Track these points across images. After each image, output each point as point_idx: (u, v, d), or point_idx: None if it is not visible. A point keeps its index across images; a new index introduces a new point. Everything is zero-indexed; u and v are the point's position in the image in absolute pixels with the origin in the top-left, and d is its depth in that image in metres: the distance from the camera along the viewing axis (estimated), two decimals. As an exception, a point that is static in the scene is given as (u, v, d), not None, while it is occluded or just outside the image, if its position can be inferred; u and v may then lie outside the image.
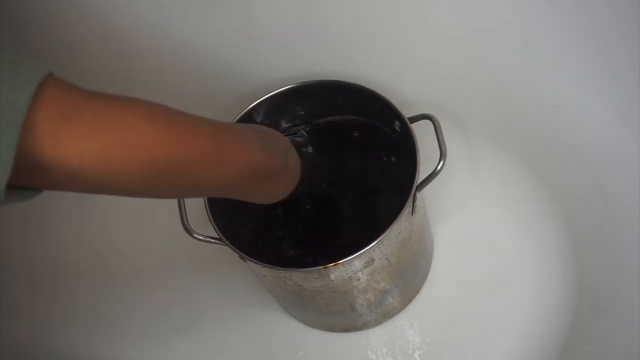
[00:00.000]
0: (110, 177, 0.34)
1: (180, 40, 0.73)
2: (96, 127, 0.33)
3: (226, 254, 0.62)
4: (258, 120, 0.71)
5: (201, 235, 0.61)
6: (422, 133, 0.62)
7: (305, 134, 0.72)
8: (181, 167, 0.38)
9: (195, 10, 0.70)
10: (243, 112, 0.68)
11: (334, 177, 0.68)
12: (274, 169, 0.46)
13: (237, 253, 0.59)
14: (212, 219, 0.60)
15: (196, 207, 0.62)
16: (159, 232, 0.84)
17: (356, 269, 0.59)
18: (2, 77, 0.30)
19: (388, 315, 0.75)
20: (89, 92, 0.34)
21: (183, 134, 0.38)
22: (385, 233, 0.56)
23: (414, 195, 0.59)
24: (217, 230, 0.60)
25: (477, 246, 0.78)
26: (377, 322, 0.75)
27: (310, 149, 0.68)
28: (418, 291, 0.76)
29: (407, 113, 0.63)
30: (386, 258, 0.61)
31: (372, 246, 0.56)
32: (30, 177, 0.32)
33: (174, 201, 0.62)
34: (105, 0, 0.68)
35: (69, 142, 0.32)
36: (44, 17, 0.68)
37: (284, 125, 0.75)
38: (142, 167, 0.35)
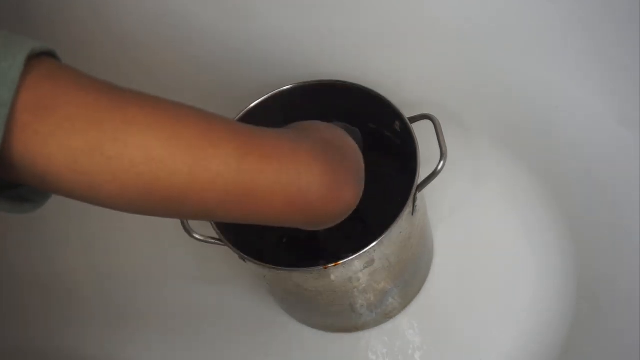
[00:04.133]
0: (84, 191, 0.28)
1: (180, 40, 0.73)
2: (70, 125, 0.26)
3: (226, 254, 0.62)
4: (258, 120, 0.71)
5: (201, 235, 0.61)
6: (422, 133, 0.62)
7: None
8: (185, 194, 0.29)
9: (195, 9, 0.70)
10: (243, 113, 0.68)
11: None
12: (333, 190, 0.34)
13: (237, 253, 0.59)
14: (212, 219, 0.60)
15: (196, 207, 0.62)
16: (158, 233, 0.84)
17: (356, 269, 0.59)
18: None
19: (388, 315, 0.75)
20: (81, 80, 0.28)
21: (189, 148, 0.28)
22: (386, 233, 0.56)
23: (415, 195, 0.59)
24: (217, 230, 0.60)
25: (477, 246, 0.78)
26: (377, 323, 0.75)
27: None
28: (418, 291, 0.76)
29: (407, 113, 0.63)
30: (386, 258, 0.61)
31: (373, 246, 0.56)
32: (5, 172, 0.27)
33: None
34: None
35: (35, 140, 0.26)
36: (53, 14, 0.68)
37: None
38: (124, 188, 0.28)
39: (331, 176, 0.34)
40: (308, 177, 0.32)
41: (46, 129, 0.26)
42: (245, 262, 0.60)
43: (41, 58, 0.27)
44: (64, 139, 0.26)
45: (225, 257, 0.68)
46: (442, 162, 0.59)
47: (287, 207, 0.32)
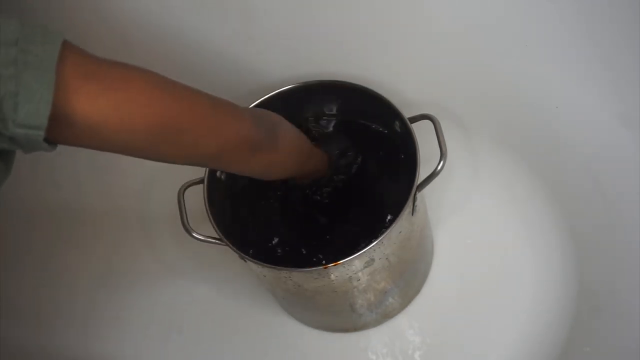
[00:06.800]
0: (122, 132, 0.38)
1: (180, 40, 0.73)
2: (113, 86, 0.37)
3: (226, 254, 0.62)
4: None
5: (201, 235, 0.61)
6: (422, 133, 0.62)
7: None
8: (183, 128, 0.42)
9: (195, 10, 0.70)
10: (243, 112, 0.68)
11: (334, 177, 0.68)
12: (261, 140, 0.51)
13: (237, 253, 0.59)
14: (212, 219, 0.60)
15: (196, 207, 0.62)
16: (159, 232, 0.84)
17: (356, 269, 0.59)
18: (34, 31, 0.34)
19: (388, 315, 0.75)
20: (103, 58, 0.38)
21: (186, 100, 0.43)
22: (386, 233, 0.56)
23: (415, 195, 0.59)
24: (217, 230, 0.60)
25: (477, 246, 0.78)
26: (377, 323, 0.75)
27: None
28: (418, 291, 0.76)
29: (407, 113, 0.63)
30: (386, 258, 0.61)
31: (373, 246, 0.56)
32: (53, 130, 0.35)
33: (174, 201, 0.62)
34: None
35: (88, 98, 0.36)
36: (49, 17, 0.68)
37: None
38: (150, 125, 0.40)
39: (256, 116, 0.52)
40: (246, 115, 0.50)
41: (95, 90, 0.36)
42: (246, 262, 0.60)
43: (67, 41, 0.36)
44: (110, 95, 0.37)
45: (225, 257, 0.68)
46: (442, 162, 0.59)
47: (242, 131, 0.49)
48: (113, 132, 0.38)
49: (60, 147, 0.38)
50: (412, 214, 0.61)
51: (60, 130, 0.36)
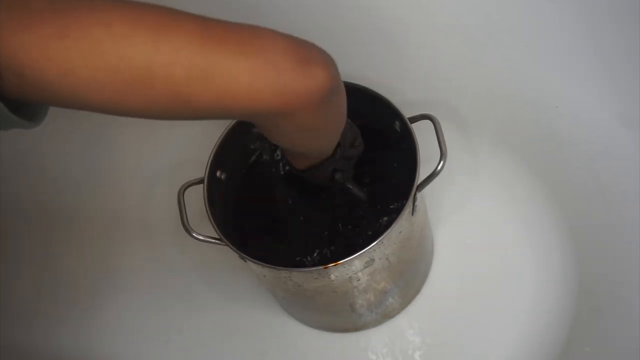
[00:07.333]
0: (60, 81, 0.29)
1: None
2: (40, 16, 0.29)
3: (226, 254, 0.62)
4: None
5: (201, 235, 0.61)
6: (422, 133, 0.62)
7: None
8: (150, 72, 0.30)
9: (196, 9, 0.70)
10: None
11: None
12: (314, 98, 0.34)
13: (237, 253, 0.59)
14: (212, 219, 0.60)
15: (196, 207, 0.62)
16: (158, 232, 0.84)
17: (356, 269, 0.59)
18: None
19: (388, 315, 0.75)
20: None
21: (150, 28, 0.30)
22: (386, 233, 0.56)
23: (415, 195, 0.59)
24: (217, 230, 0.60)
25: (477, 246, 0.78)
26: (377, 323, 0.75)
27: None
28: (418, 291, 0.76)
29: (407, 113, 0.63)
30: (386, 258, 0.61)
31: (373, 246, 0.56)
32: None
33: (174, 201, 0.62)
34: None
35: (12, 34, 0.28)
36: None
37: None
38: (95, 69, 0.29)
39: (298, 48, 0.34)
40: (273, 48, 0.33)
41: (19, 22, 0.28)
42: (246, 262, 0.60)
43: None
44: (35, 28, 0.29)
45: (225, 257, 0.68)
46: (442, 162, 0.59)
47: (256, 80, 0.33)
48: (48, 79, 0.29)
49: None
50: (412, 214, 0.61)
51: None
